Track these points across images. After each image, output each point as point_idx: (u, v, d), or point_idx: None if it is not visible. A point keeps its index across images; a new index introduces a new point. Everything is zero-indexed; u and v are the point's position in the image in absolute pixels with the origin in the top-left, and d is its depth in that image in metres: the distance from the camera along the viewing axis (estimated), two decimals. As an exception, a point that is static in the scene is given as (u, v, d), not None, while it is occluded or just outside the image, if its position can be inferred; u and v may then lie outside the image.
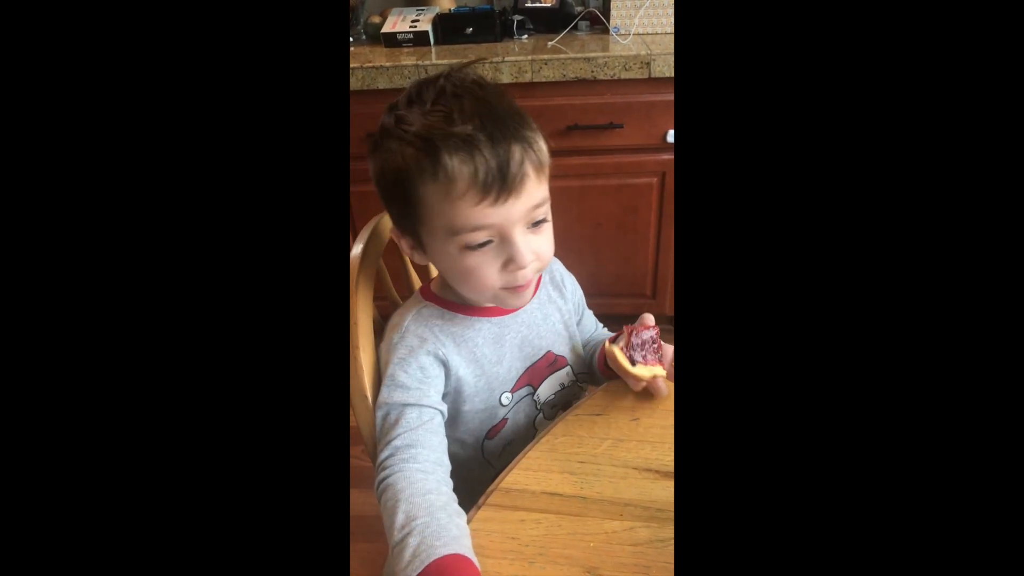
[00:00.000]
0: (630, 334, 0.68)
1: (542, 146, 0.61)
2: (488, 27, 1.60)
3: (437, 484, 0.59)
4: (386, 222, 0.81)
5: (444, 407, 0.68)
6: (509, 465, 0.63)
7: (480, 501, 0.59)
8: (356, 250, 0.76)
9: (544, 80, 1.43)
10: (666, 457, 0.62)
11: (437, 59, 1.49)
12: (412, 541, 0.52)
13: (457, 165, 0.56)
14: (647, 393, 0.70)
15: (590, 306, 0.85)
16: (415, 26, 1.59)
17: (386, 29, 1.61)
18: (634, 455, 0.63)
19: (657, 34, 1.60)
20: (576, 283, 0.83)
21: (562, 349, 0.78)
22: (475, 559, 0.51)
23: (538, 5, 1.69)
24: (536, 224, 0.62)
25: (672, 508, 0.56)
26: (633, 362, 0.67)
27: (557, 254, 0.69)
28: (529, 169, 0.58)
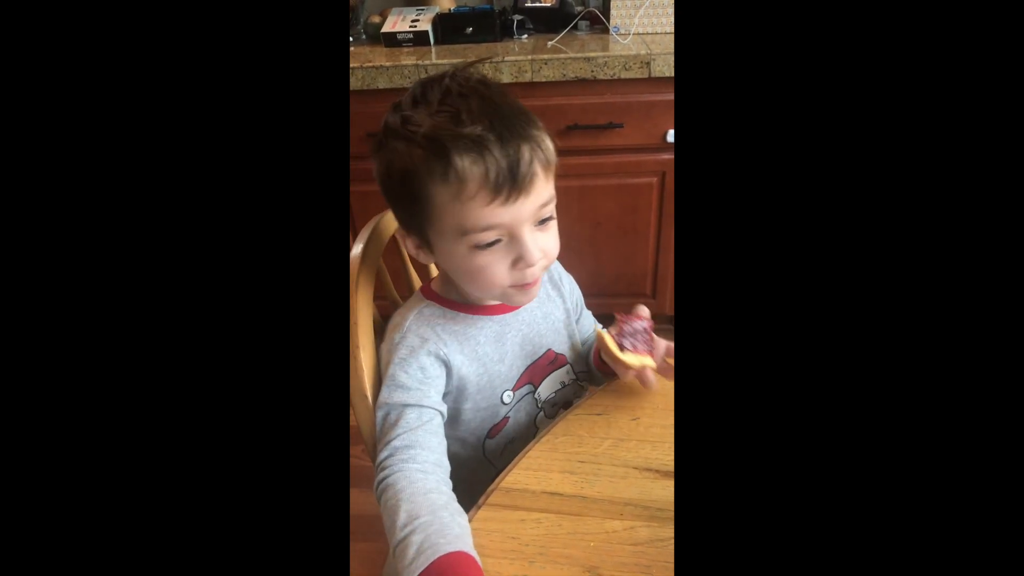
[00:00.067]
0: (622, 322, 0.68)
1: (549, 145, 0.61)
2: (488, 27, 1.60)
3: (437, 484, 0.59)
4: (386, 222, 0.81)
5: (444, 407, 0.68)
6: (509, 465, 0.63)
7: (480, 501, 0.59)
8: (356, 250, 0.76)
9: (544, 80, 1.43)
10: (666, 457, 0.63)
11: (437, 59, 1.49)
12: (415, 539, 0.51)
13: (468, 166, 0.56)
14: (647, 393, 0.70)
15: (590, 306, 0.85)
16: (415, 26, 1.59)
17: (386, 29, 1.61)
18: (634, 454, 0.63)
19: (657, 34, 1.60)
20: (574, 282, 0.83)
21: (562, 347, 0.78)
22: (478, 557, 0.51)
23: (538, 5, 1.69)
24: (543, 222, 0.62)
25: (672, 508, 0.56)
26: (622, 348, 0.67)
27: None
28: (538, 168, 0.59)
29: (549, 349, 0.76)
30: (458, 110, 0.57)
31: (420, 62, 1.44)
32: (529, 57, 1.42)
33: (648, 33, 1.60)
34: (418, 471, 0.59)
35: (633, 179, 1.56)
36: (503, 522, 0.57)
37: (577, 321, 0.82)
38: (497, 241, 0.60)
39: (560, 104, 1.46)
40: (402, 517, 0.54)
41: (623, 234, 1.63)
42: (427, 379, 0.66)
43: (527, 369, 0.74)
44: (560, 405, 0.77)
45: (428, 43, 1.60)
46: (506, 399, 0.73)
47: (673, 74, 1.41)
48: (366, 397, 0.69)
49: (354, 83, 1.44)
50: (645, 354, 0.68)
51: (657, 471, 0.61)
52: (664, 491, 0.59)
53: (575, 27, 1.65)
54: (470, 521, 0.56)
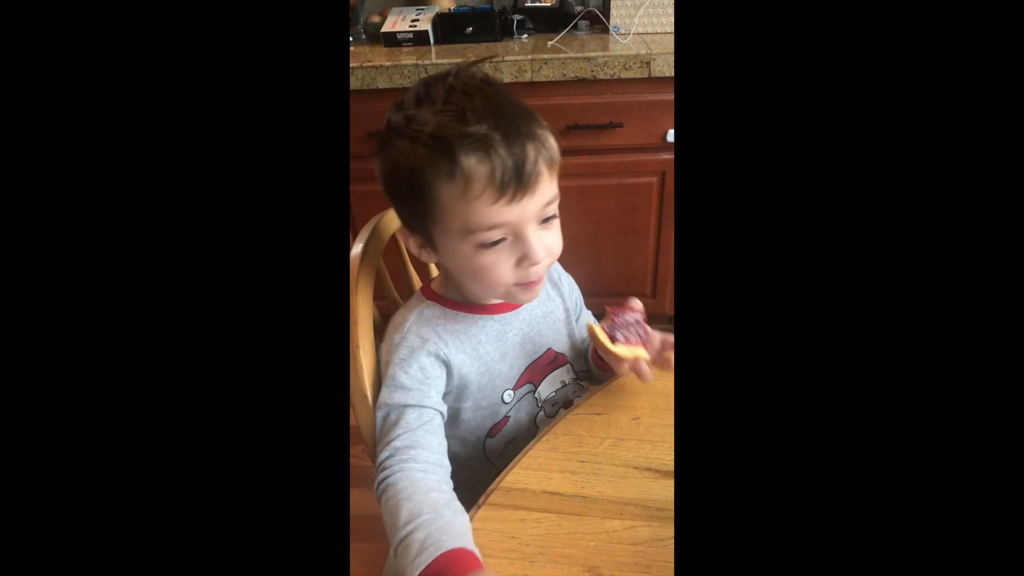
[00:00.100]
0: (613, 314, 0.68)
1: (553, 143, 0.61)
2: (488, 26, 1.60)
3: (438, 483, 0.59)
4: (386, 221, 0.81)
5: (444, 408, 0.68)
6: (509, 464, 0.63)
7: (480, 500, 0.59)
8: (356, 249, 0.76)
9: (544, 80, 1.43)
10: (666, 456, 0.63)
11: (437, 58, 1.49)
12: (418, 536, 0.52)
13: (474, 165, 0.56)
14: (647, 392, 0.70)
15: (589, 306, 0.86)
16: (415, 26, 1.59)
17: (386, 28, 1.61)
18: (634, 454, 0.63)
19: (657, 33, 1.59)
20: (573, 281, 0.83)
21: (562, 347, 0.78)
22: (480, 556, 0.51)
23: (538, 4, 1.69)
24: (546, 220, 0.62)
25: (672, 507, 0.56)
26: (614, 340, 0.67)
27: None
28: (543, 167, 0.59)
29: (549, 348, 0.76)
30: (463, 109, 0.57)
31: (420, 62, 1.44)
32: (529, 57, 1.42)
33: (648, 33, 1.60)
34: (419, 471, 0.59)
35: (633, 179, 1.56)
36: (503, 522, 0.57)
37: (577, 320, 0.82)
38: (502, 240, 0.60)
39: (560, 104, 1.46)
40: (404, 515, 0.54)
41: (623, 234, 1.63)
42: (427, 379, 0.66)
43: (527, 368, 0.74)
44: (560, 404, 0.77)
45: (428, 43, 1.60)
46: (507, 398, 0.73)
47: (673, 74, 1.41)
48: (366, 397, 0.69)
49: (354, 83, 1.45)
50: (638, 345, 0.67)
51: (657, 471, 0.61)
52: (664, 491, 0.59)
53: (575, 27, 1.65)
54: (470, 521, 0.56)
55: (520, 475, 0.62)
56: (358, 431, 0.69)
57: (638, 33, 1.59)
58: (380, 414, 0.65)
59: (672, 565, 0.52)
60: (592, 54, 1.41)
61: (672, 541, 0.53)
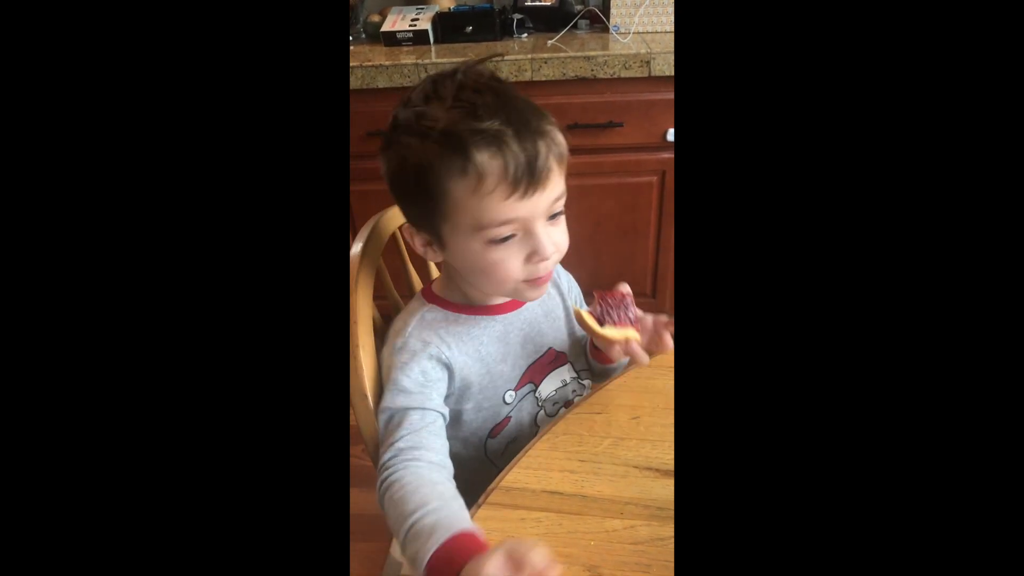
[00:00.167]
0: (600, 298, 0.67)
1: (561, 139, 0.61)
2: (488, 26, 1.60)
3: (443, 479, 0.59)
4: (385, 221, 0.81)
5: (446, 410, 0.68)
6: (509, 464, 0.63)
7: (480, 500, 0.59)
8: (356, 249, 0.76)
9: (544, 79, 1.43)
10: (666, 455, 0.63)
11: (437, 58, 1.49)
12: (429, 520, 0.52)
13: (487, 160, 0.56)
14: (647, 391, 0.70)
15: (589, 305, 0.86)
16: (415, 25, 1.59)
17: (385, 28, 1.60)
18: (634, 453, 0.63)
19: (657, 33, 1.59)
20: (572, 278, 0.84)
21: (562, 345, 0.78)
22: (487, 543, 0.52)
23: (538, 4, 1.69)
24: (554, 217, 0.63)
25: (672, 507, 0.56)
26: (602, 323, 0.66)
27: None
28: (553, 162, 0.59)
29: (550, 348, 0.76)
30: (475, 105, 0.57)
31: (420, 61, 1.44)
32: (529, 56, 1.42)
33: (648, 32, 1.60)
34: (424, 468, 0.59)
35: (633, 178, 1.56)
36: (503, 521, 0.57)
37: None
38: (511, 236, 0.60)
39: (560, 103, 1.46)
40: (412, 505, 0.54)
41: (623, 233, 1.63)
42: (429, 383, 0.66)
43: (529, 368, 0.74)
44: (561, 403, 0.77)
45: (428, 42, 1.60)
46: (508, 399, 0.73)
47: (673, 73, 1.41)
48: (366, 397, 0.69)
49: (353, 82, 1.44)
50: (627, 327, 0.67)
51: (657, 470, 0.61)
52: (664, 490, 0.59)
53: (575, 26, 1.65)
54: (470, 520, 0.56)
55: (520, 474, 0.62)
56: (358, 431, 0.69)
57: (638, 32, 1.59)
58: (383, 418, 0.65)
59: (672, 564, 0.52)
60: (592, 53, 1.41)
61: (672, 540, 0.53)
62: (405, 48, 1.59)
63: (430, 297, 0.72)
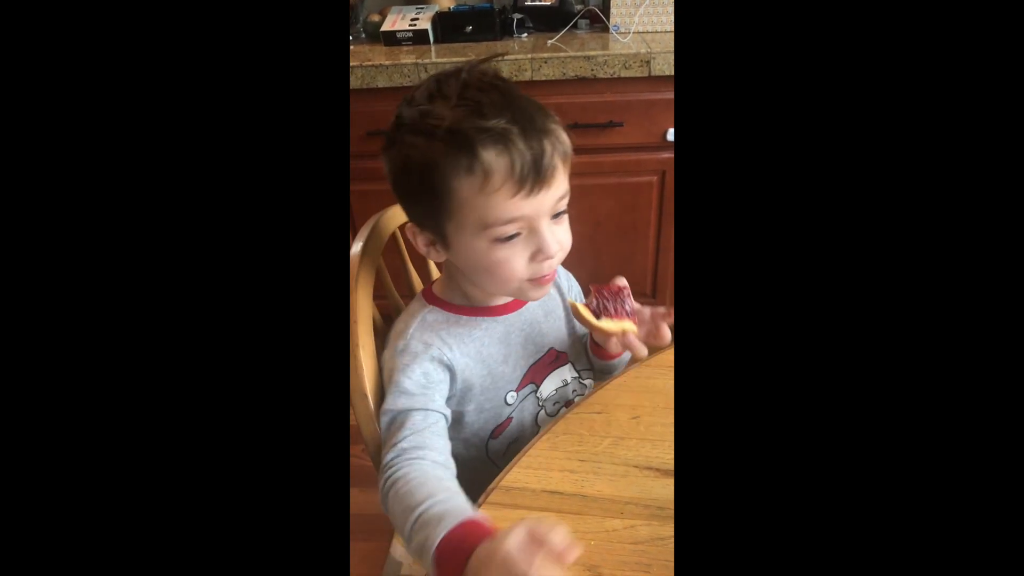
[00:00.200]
0: (596, 292, 0.67)
1: (565, 138, 0.61)
2: (488, 25, 1.60)
3: (448, 476, 0.59)
4: (385, 220, 0.81)
5: (448, 412, 0.67)
6: (509, 464, 0.63)
7: (480, 499, 0.59)
8: (356, 248, 0.76)
9: (544, 79, 1.43)
10: (666, 455, 0.62)
11: (437, 57, 1.49)
12: (438, 509, 0.51)
13: (493, 158, 0.56)
14: (647, 391, 0.70)
15: (586, 300, 0.86)
16: (415, 24, 1.59)
17: (385, 27, 1.60)
18: (634, 453, 0.63)
19: (657, 32, 1.59)
20: (571, 277, 0.84)
21: (563, 345, 0.78)
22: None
23: (538, 3, 1.69)
24: (557, 215, 0.63)
25: (672, 506, 0.56)
26: (598, 316, 0.66)
27: None
28: (558, 160, 0.59)
29: (551, 348, 0.76)
30: (480, 103, 0.57)
31: (420, 61, 1.44)
32: (529, 56, 1.42)
33: (648, 32, 1.60)
34: (428, 466, 0.59)
35: (633, 178, 1.56)
36: (503, 520, 0.56)
37: None
38: (516, 235, 0.61)
39: (560, 103, 1.46)
40: (419, 496, 0.53)
41: (623, 233, 1.63)
42: (431, 384, 0.66)
43: (530, 369, 0.74)
44: (562, 403, 0.77)
45: (428, 42, 1.60)
46: (510, 400, 0.73)
47: (673, 72, 1.41)
48: (366, 396, 0.69)
49: (353, 82, 1.44)
50: (624, 319, 0.66)
51: (657, 469, 0.61)
52: (664, 489, 0.59)
53: (575, 26, 1.65)
54: (470, 520, 0.56)
55: (520, 474, 0.62)
56: (358, 430, 0.69)
57: (638, 32, 1.59)
58: (384, 420, 0.64)
59: (672, 564, 0.52)
60: (592, 53, 1.41)
61: (672, 540, 0.53)
62: (405, 48, 1.59)
63: (431, 299, 0.72)
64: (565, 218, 0.64)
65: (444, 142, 0.57)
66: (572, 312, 0.69)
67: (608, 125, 1.48)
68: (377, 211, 0.81)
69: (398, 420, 0.63)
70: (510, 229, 0.60)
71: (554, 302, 0.79)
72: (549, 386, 0.76)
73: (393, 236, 0.82)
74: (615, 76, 1.42)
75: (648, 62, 1.40)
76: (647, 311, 0.69)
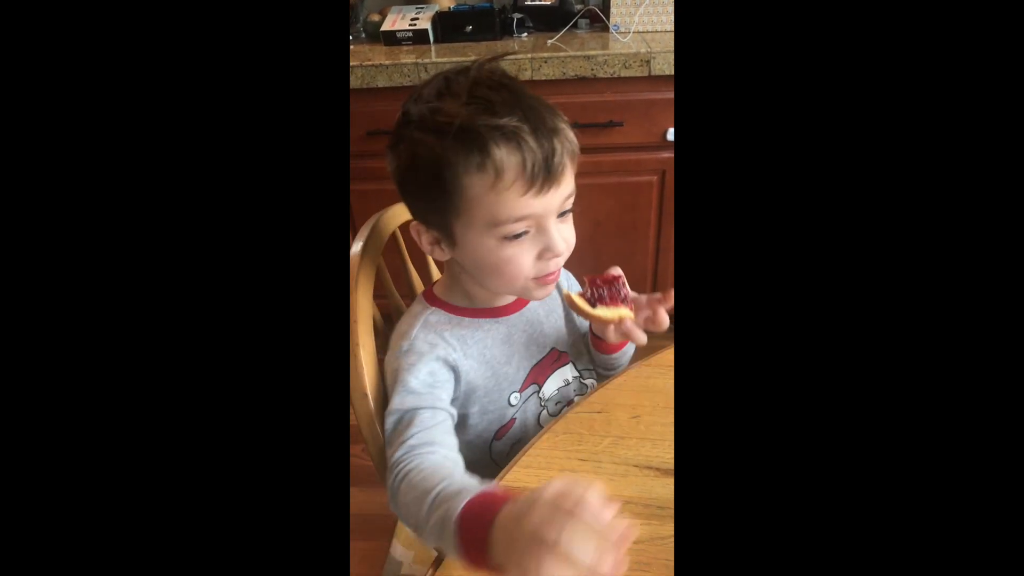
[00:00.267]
0: (591, 281, 0.67)
1: (573, 137, 0.61)
2: (488, 25, 1.60)
3: (461, 468, 0.58)
4: (385, 220, 0.81)
5: (454, 411, 0.67)
6: (509, 463, 0.63)
7: (480, 499, 0.59)
8: (356, 248, 0.76)
9: (544, 78, 1.43)
10: (666, 455, 0.62)
11: (437, 57, 1.48)
12: (455, 487, 0.50)
13: (505, 156, 0.56)
14: (647, 390, 0.70)
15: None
16: (415, 24, 1.59)
17: (385, 27, 1.60)
18: (634, 452, 0.63)
19: (657, 32, 1.59)
20: (571, 276, 0.84)
21: (564, 345, 0.78)
22: None
23: (538, 3, 1.69)
24: (563, 214, 0.63)
25: (672, 506, 0.56)
26: (594, 304, 0.66)
27: None
28: (567, 159, 0.60)
29: (553, 348, 0.76)
30: (491, 101, 0.57)
31: (420, 60, 1.44)
32: (529, 55, 1.42)
33: (648, 31, 1.60)
34: (440, 458, 0.58)
35: (633, 177, 1.56)
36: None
37: (578, 315, 0.82)
38: (524, 233, 0.61)
39: (560, 102, 1.43)
40: (434, 480, 0.52)
41: (623, 233, 1.63)
42: (437, 384, 0.66)
43: (532, 369, 0.74)
44: (563, 403, 0.77)
45: (428, 41, 1.60)
46: (513, 401, 0.73)
47: (673, 72, 1.41)
48: (366, 396, 0.69)
49: (353, 82, 1.44)
50: (620, 306, 0.66)
51: (657, 469, 0.61)
52: (664, 489, 0.59)
53: (575, 25, 1.65)
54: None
55: (520, 473, 0.62)
56: (358, 430, 0.69)
57: (638, 31, 1.59)
58: (391, 420, 0.63)
59: (672, 564, 0.52)
60: (592, 52, 1.41)
61: (672, 539, 0.53)
62: (405, 47, 1.59)
63: (432, 300, 0.72)
64: (570, 217, 0.65)
65: (455, 139, 0.57)
66: (568, 303, 0.68)
67: (608, 125, 1.48)
68: (377, 211, 0.81)
69: (406, 419, 0.62)
70: (519, 227, 0.60)
71: (554, 302, 0.79)
72: (551, 386, 0.76)
73: (393, 236, 0.82)
74: (615, 76, 1.42)
75: (648, 62, 1.40)
76: (643, 298, 0.69)
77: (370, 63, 1.44)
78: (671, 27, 1.59)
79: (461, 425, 0.71)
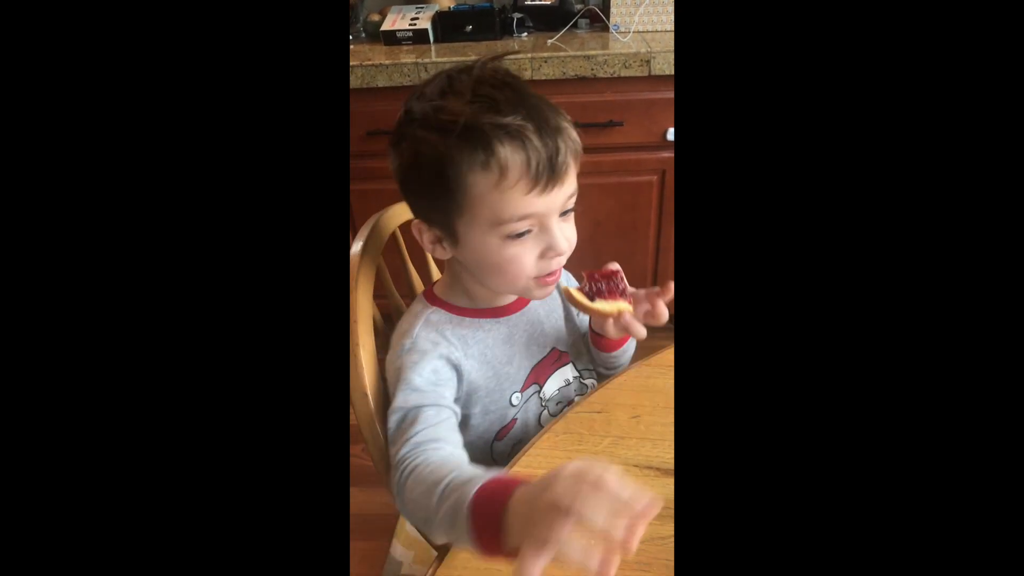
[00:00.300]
0: (588, 276, 0.67)
1: (576, 136, 0.62)
2: (488, 25, 1.60)
3: (468, 463, 0.57)
4: (386, 219, 0.81)
5: (458, 409, 0.67)
6: (509, 463, 0.63)
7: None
8: (356, 248, 0.76)
9: (544, 78, 1.43)
10: (666, 455, 0.62)
11: (437, 57, 1.48)
12: (466, 474, 0.49)
13: (510, 154, 0.57)
14: (647, 390, 0.70)
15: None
16: (415, 24, 1.59)
17: (385, 27, 1.60)
18: (634, 452, 0.63)
19: (657, 32, 1.59)
20: (570, 276, 0.84)
21: (564, 345, 0.78)
22: None
23: (538, 3, 1.69)
24: (565, 213, 0.63)
25: (672, 505, 0.56)
26: (592, 298, 0.66)
27: None
28: (570, 158, 0.60)
29: (554, 348, 0.76)
30: (495, 100, 0.57)
31: (420, 60, 1.44)
32: (529, 55, 1.42)
33: (648, 31, 1.60)
34: (447, 453, 0.58)
35: (633, 177, 1.56)
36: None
37: (578, 315, 0.82)
38: (527, 232, 0.61)
39: (560, 102, 1.43)
40: (443, 472, 0.51)
41: (623, 233, 1.63)
42: (440, 381, 0.65)
43: (533, 369, 0.74)
44: (564, 403, 0.77)
45: (428, 41, 1.60)
46: (514, 401, 0.73)
47: (673, 72, 1.41)
48: (366, 395, 0.69)
49: (353, 81, 1.44)
50: (618, 299, 0.66)
51: (658, 469, 0.61)
52: (664, 489, 0.59)
53: (575, 25, 1.65)
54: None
55: (520, 473, 0.62)
56: (358, 430, 0.69)
57: (638, 31, 1.59)
58: (395, 418, 0.62)
59: (672, 563, 0.51)
60: (592, 52, 1.41)
61: (672, 539, 0.53)
62: (405, 47, 1.59)
63: (432, 300, 0.72)
64: (571, 216, 0.65)
65: (460, 137, 0.57)
66: (566, 297, 0.68)
67: (608, 124, 1.48)
68: (377, 211, 0.81)
69: (410, 416, 0.61)
70: (522, 226, 0.60)
71: (555, 302, 0.79)
72: (552, 386, 0.76)
73: (393, 236, 0.82)
74: (615, 75, 1.42)
75: (648, 61, 1.40)
76: (642, 292, 0.68)
77: (370, 63, 1.44)
78: (671, 27, 1.59)
79: (463, 426, 0.71)
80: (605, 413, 0.68)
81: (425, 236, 0.66)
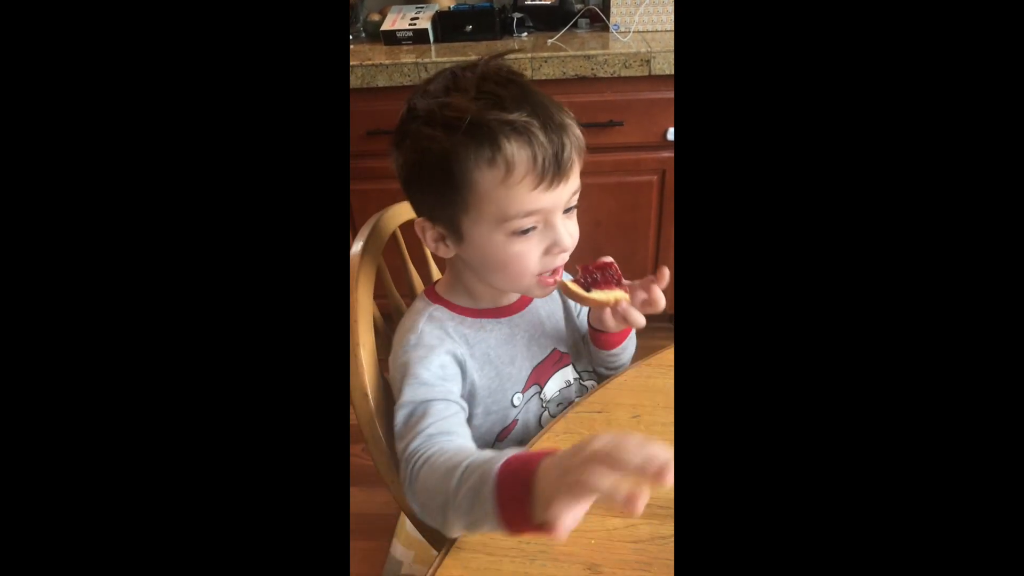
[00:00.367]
0: (583, 269, 0.67)
1: (579, 133, 0.62)
2: (488, 25, 1.60)
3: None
4: (386, 219, 0.81)
5: (465, 405, 0.66)
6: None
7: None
8: (356, 247, 0.76)
9: (544, 78, 1.43)
10: (666, 454, 0.62)
11: (437, 57, 1.48)
12: (486, 455, 0.48)
13: (516, 151, 0.57)
14: (647, 390, 0.70)
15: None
16: (415, 24, 1.59)
17: (385, 27, 1.60)
18: (634, 452, 0.63)
19: (657, 31, 1.59)
20: (571, 277, 0.83)
21: (565, 346, 0.78)
22: None
23: (538, 3, 1.69)
24: (568, 210, 0.63)
25: (673, 505, 0.56)
26: (588, 289, 0.66)
27: None
28: (575, 155, 0.60)
29: (555, 349, 0.76)
30: (501, 96, 0.57)
31: (420, 60, 1.44)
32: (529, 55, 1.42)
33: (648, 31, 1.60)
34: (461, 443, 0.58)
35: (633, 177, 1.56)
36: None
37: (577, 316, 0.82)
38: (533, 228, 0.61)
39: (560, 102, 1.46)
40: (460, 456, 0.50)
41: (623, 233, 1.63)
42: (448, 376, 0.65)
43: (534, 370, 0.74)
44: (565, 404, 0.77)
45: (428, 41, 1.60)
46: (516, 401, 0.73)
47: (673, 72, 1.41)
48: (366, 395, 0.69)
49: (353, 81, 1.44)
50: (614, 288, 0.66)
51: (657, 469, 0.61)
52: (664, 489, 0.59)
53: (575, 25, 1.65)
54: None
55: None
56: (358, 430, 0.69)
57: (638, 31, 1.59)
58: (403, 413, 0.61)
59: (672, 563, 0.52)
60: (592, 52, 1.41)
61: (672, 539, 0.53)
62: (405, 47, 1.59)
63: (434, 298, 0.72)
64: (574, 213, 0.65)
65: (466, 134, 0.57)
66: (562, 290, 0.68)
67: (608, 124, 1.48)
68: (377, 211, 0.81)
69: (419, 410, 0.61)
70: (528, 222, 0.60)
71: (555, 303, 0.79)
72: (553, 387, 0.76)
73: (393, 236, 0.82)
74: (615, 75, 1.42)
75: (648, 61, 1.40)
76: (638, 282, 0.68)
77: (370, 63, 1.44)
78: (671, 27, 1.59)
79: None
80: (605, 413, 0.69)
81: (428, 234, 0.66)
